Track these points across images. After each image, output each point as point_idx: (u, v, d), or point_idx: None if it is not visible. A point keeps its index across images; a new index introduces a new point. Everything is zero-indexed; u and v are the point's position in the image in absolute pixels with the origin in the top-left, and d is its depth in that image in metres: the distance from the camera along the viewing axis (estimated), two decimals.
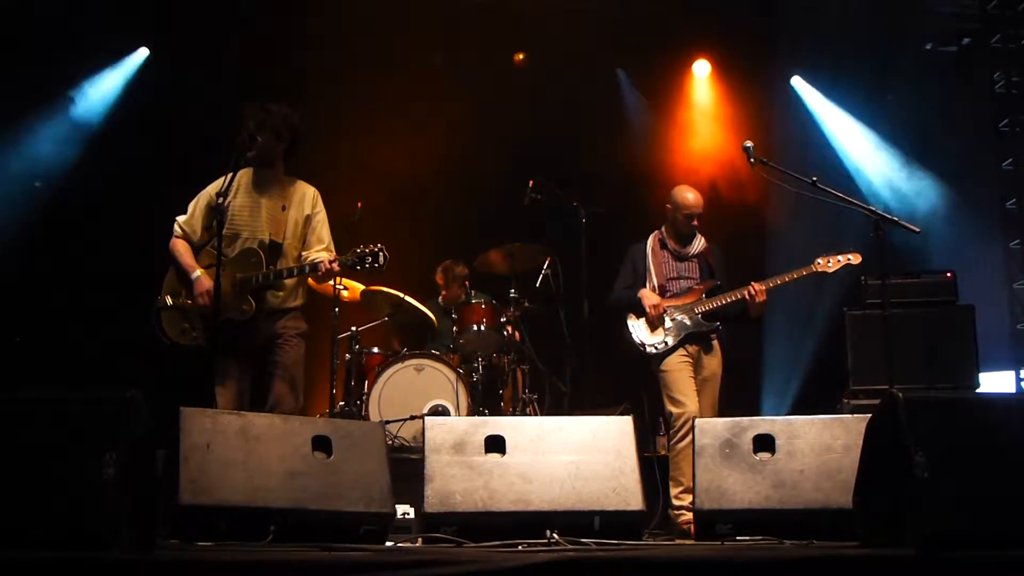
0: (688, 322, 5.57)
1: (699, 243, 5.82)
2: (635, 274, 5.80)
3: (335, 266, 4.64)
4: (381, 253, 4.59)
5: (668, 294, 5.69)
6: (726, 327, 5.72)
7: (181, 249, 4.86)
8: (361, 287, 6.99)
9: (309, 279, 5.01)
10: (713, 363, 5.61)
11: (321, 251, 4.85)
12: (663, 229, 5.87)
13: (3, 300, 7.35)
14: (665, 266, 5.77)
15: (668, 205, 5.82)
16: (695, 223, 5.73)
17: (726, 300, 5.56)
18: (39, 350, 7.33)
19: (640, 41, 8.32)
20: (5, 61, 7.33)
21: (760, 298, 5.45)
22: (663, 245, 5.82)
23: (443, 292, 7.53)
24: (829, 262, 5.41)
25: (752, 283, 5.47)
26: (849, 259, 5.40)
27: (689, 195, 5.76)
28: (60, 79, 7.92)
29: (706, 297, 5.62)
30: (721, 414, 5.42)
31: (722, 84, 8.70)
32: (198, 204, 4.93)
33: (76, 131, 7.93)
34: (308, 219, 4.90)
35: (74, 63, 7.92)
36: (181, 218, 4.93)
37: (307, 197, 4.94)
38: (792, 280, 5.49)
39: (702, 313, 5.58)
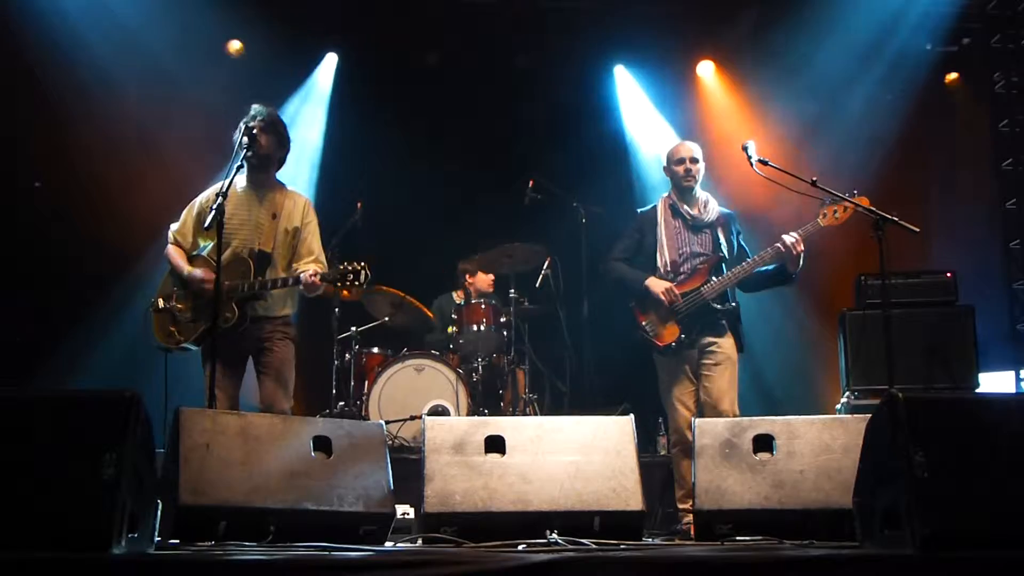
0: (697, 310, 5.16)
1: (713, 209, 5.36)
2: (640, 246, 5.38)
3: (317, 279, 4.64)
4: (363, 272, 4.58)
5: (680, 276, 5.25)
6: (752, 302, 5.39)
7: (174, 254, 4.92)
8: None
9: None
10: (726, 345, 5.20)
11: (310, 263, 4.85)
12: (671, 192, 5.44)
13: (3, 299, 7.36)
14: (678, 238, 5.31)
15: (664, 166, 5.47)
16: (691, 168, 5.30)
17: (747, 270, 5.11)
18: (40, 349, 7.34)
19: (641, 40, 8.33)
20: None
21: (799, 248, 4.98)
22: (675, 212, 5.35)
23: (468, 280, 7.49)
24: (836, 212, 4.91)
25: (783, 236, 5.02)
26: (856, 204, 4.77)
27: (673, 145, 5.45)
28: None
29: (713, 276, 5.20)
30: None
31: (725, 83, 8.70)
32: (190, 212, 4.97)
33: None
34: (297, 231, 4.91)
35: None
36: (174, 226, 4.99)
37: (298, 207, 4.94)
38: (805, 237, 5.04)
39: (711, 296, 5.16)
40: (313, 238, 4.95)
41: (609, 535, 3.62)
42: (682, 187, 5.37)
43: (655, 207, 5.46)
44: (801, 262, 5.07)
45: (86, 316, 7.44)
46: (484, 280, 7.47)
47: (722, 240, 5.33)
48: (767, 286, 5.34)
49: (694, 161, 5.35)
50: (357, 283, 4.57)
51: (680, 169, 5.34)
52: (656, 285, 5.22)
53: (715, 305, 5.19)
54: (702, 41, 8.51)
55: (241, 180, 4.87)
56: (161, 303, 4.83)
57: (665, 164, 5.44)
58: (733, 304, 5.26)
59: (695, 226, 5.36)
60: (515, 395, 6.91)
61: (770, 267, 5.17)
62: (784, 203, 5.94)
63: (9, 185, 7.58)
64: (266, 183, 4.92)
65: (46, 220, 7.66)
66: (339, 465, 3.65)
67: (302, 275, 4.66)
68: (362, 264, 4.59)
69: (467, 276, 7.50)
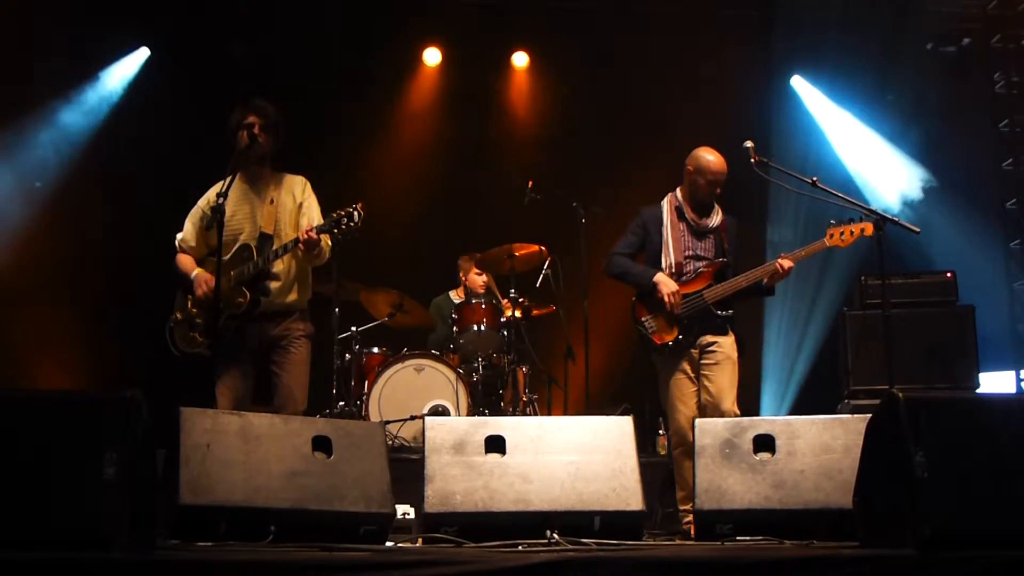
0: (698, 313, 5.17)
1: (717, 216, 5.35)
2: (645, 244, 5.37)
3: (312, 234, 4.60)
4: (356, 212, 4.53)
5: (684, 277, 5.24)
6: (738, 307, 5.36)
7: (182, 260, 4.95)
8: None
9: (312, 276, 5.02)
10: (727, 344, 5.21)
11: None
12: (678, 193, 5.38)
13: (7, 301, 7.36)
14: (683, 241, 5.30)
15: (689, 167, 5.30)
16: (718, 190, 5.26)
17: (745, 282, 5.16)
18: (44, 350, 7.35)
19: (640, 39, 8.34)
20: None
21: (786, 274, 5.11)
22: (680, 215, 5.33)
23: (463, 278, 7.51)
24: (843, 234, 4.99)
25: (781, 257, 5.11)
26: (863, 229, 4.91)
27: (712, 157, 5.26)
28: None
29: (715, 281, 5.21)
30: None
31: (724, 82, 8.69)
32: (192, 219, 4.99)
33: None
34: (300, 206, 4.90)
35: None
36: (179, 235, 5.01)
37: (296, 186, 4.95)
38: (806, 256, 5.15)
39: (713, 301, 5.17)
40: (314, 210, 4.92)
41: (609, 535, 3.62)
42: (699, 198, 5.31)
43: (661, 206, 5.41)
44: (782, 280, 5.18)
45: (88, 316, 7.44)
46: (476, 281, 7.47)
47: (724, 245, 5.34)
48: (744, 296, 5.35)
49: (722, 184, 5.30)
50: (352, 224, 4.53)
51: (705, 184, 5.26)
52: (665, 285, 5.20)
53: (716, 311, 5.19)
54: (702, 41, 8.51)
55: (240, 176, 4.87)
56: (179, 316, 4.86)
57: (692, 168, 5.31)
58: (731, 311, 5.27)
59: (699, 232, 5.35)
60: (515, 395, 6.91)
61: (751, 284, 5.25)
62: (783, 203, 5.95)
63: (11, 187, 7.58)
64: (262, 176, 4.92)
65: (47, 220, 7.66)
66: (339, 465, 3.65)
67: (299, 235, 4.63)
68: (353, 206, 4.55)
69: (462, 275, 7.52)
